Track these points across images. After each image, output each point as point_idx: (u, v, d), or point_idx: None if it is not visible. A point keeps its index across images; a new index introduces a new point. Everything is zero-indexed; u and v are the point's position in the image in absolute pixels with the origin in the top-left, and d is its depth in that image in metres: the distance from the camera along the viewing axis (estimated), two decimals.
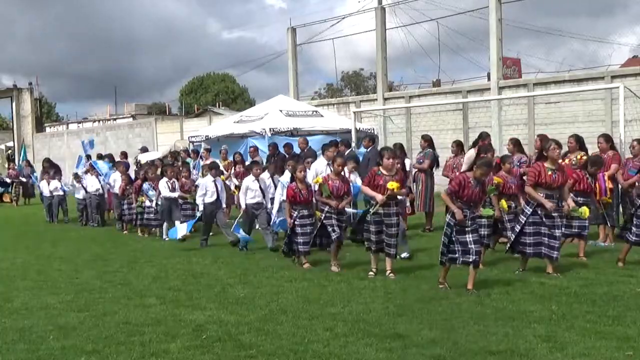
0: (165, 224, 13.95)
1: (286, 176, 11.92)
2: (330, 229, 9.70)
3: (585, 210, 9.29)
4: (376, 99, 25.37)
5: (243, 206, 11.88)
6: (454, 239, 8.02)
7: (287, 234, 10.14)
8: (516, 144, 12.29)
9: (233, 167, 15.60)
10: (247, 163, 15.45)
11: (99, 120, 59.45)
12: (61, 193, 18.58)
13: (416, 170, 13.86)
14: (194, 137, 20.22)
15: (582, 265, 9.38)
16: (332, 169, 10.27)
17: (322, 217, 9.76)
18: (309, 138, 16.25)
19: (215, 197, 12.54)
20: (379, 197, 8.81)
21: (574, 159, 11.28)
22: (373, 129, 19.73)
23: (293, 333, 6.44)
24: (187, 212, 14.06)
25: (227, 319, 7.06)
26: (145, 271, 10.24)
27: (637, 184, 10.61)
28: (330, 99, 33.54)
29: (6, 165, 30.74)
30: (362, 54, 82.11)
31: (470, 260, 7.95)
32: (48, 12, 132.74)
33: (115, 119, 56.56)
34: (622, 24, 72.64)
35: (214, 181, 12.65)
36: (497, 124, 20.98)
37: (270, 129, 17.52)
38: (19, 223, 18.97)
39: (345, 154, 14.38)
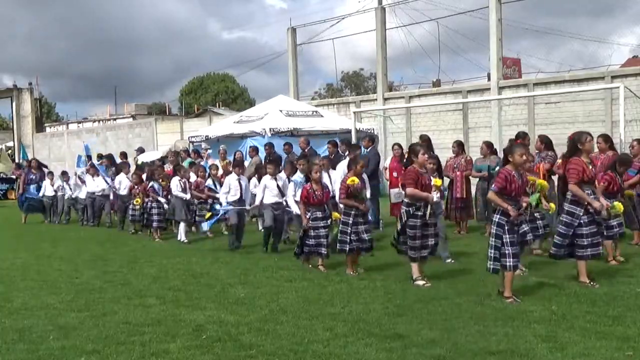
0: (181, 225, 13.61)
1: (282, 176, 11.98)
2: (364, 235, 9.35)
3: (619, 206, 8.79)
4: (376, 99, 25.39)
5: (257, 203, 11.83)
6: (505, 240, 7.43)
7: (300, 236, 9.90)
8: (544, 141, 12.20)
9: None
10: (246, 163, 15.49)
11: (99, 121, 59.46)
12: (52, 194, 18.62)
13: None
14: (194, 137, 20.24)
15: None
16: (353, 170, 9.73)
17: (351, 222, 9.30)
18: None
19: (238, 196, 12.13)
20: (432, 196, 8.36)
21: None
22: (373, 129, 19.76)
23: (293, 333, 6.44)
24: (203, 212, 13.84)
25: (227, 319, 7.06)
26: (145, 271, 10.24)
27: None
28: (330, 99, 33.54)
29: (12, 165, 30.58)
30: (362, 54, 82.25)
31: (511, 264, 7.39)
32: (49, 12, 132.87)
33: (115, 119, 56.57)
34: (621, 24, 72.75)
35: (239, 179, 12.24)
36: (497, 124, 20.99)
37: (270, 129, 17.55)
38: (19, 223, 18.91)
39: (346, 153, 14.44)
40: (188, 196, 13.72)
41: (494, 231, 7.54)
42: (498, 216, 7.51)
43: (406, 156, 9.03)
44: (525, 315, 6.78)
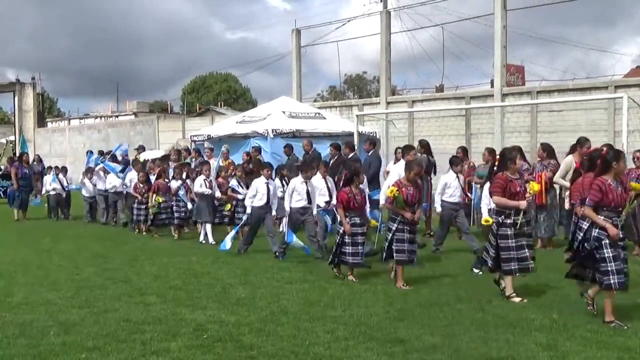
0: (208, 226, 13.15)
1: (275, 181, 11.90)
2: (407, 246, 8.76)
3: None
4: (379, 103, 25.35)
5: (288, 209, 11.16)
6: (606, 256, 6.78)
7: (336, 243, 9.28)
8: (547, 149, 12.28)
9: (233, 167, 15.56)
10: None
11: (100, 117, 59.48)
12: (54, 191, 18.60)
13: None
14: (196, 136, 20.23)
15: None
16: (406, 175, 9.09)
17: (394, 229, 8.79)
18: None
19: (265, 200, 11.47)
20: (523, 203, 7.79)
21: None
22: (375, 133, 19.76)
23: (294, 335, 6.45)
24: (224, 213, 13.65)
25: (228, 319, 7.06)
26: (145, 269, 10.24)
27: None
28: (333, 102, 33.52)
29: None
30: (366, 57, 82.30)
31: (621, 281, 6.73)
32: (53, 9, 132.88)
33: (117, 116, 56.58)
34: (623, 34, 72.86)
35: (267, 183, 11.57)
36: (500, 131, 20.96)
37: (272, 130, 17.54)
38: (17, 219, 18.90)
39: (349, 156, 14.45)
40: (218, 194, 13.33)
41: (592, 246, 6.90)
42: (596, 230, 6.87)
43: (497, 162, 8.36)
44: (526, 323, 6.78)
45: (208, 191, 13.10)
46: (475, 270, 9.53)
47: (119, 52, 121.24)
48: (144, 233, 14.72)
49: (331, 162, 14.52)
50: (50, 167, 19.98)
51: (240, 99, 69.56)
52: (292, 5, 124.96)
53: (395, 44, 26.80)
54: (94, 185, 17.22)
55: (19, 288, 8.85)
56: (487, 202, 9.25)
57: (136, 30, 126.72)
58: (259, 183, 11.59)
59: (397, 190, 8.68)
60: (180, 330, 6.65)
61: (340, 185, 10.30)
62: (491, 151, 12.65)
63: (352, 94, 56.03)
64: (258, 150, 16.54)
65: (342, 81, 49.07)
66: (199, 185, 13.16)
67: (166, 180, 14.57)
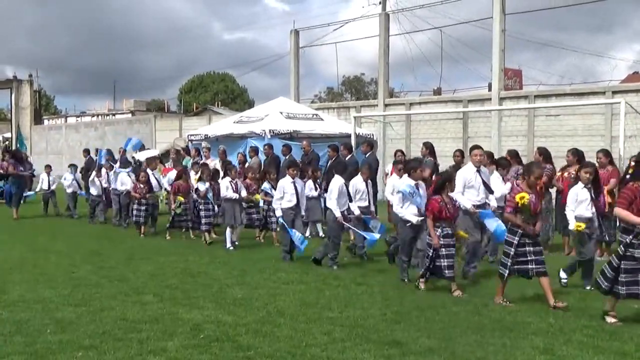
0: (228, 230, 12.45)
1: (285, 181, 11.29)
2: (534, 258, 7.73)
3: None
4: (376, 105, 25.41)
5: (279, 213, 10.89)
6: (623, 266, 6.81)
7: (429, 256, 8.50)
8: (543, 153, 12.10)
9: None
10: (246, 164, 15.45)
11: (97, 115, 59.43)
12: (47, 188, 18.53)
13: None
14: (193, 135, 20.21)
15: (579, 278, 9.38)
16: (526, 180, 7.93)
17: (516, 243, 7.72)
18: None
19: (294, 201, 10.89)
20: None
21: (573, 172, 11.32)
22: (372, 135, 19.76)
23: (291, 336, 6.44)
24: (253, 216, 13.27)
25: (225, 319, 7.06)
26: (142, 268, 10.22)
27: None
28: (330, 103, 33.57)
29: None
30: (364, 59, 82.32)
31: None
32: (52, 6, 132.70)
33: (114, 115, 56.52)
34: (619, 40, 73.11)
35: (294, 182, 11.02)
36: (497, 134, 21.02)
37: (270, 131, 17.52)
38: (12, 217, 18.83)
39: (347, 158, 14.45)
40: (244, 193, 12.68)
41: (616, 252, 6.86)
42: (629, 238, 6.82)
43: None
44: (522, 327, 6.79)
45: (235, 195, 12.43)
46: (564, 278, 8.89)
47: (117, 51, 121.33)
48: (142, 235, 14.22)
49: (329, 163, 14.55)
50: (48, 166, 19.85)
51: (237, 99, 69.57)
52: (290, 7, 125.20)
53: (393, 47, 26.84)
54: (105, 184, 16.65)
55: (15, 286, 8.82)
56: (572, 208, 8.63)
57: (135, 28, 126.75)
58: (285, 183, 11.00)
59: (526, 198, 7.61)
60: (176, 330, 6.64)
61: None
62: (490, 155, 12.64)
63: (350, 96, 56.07)
64: (255, 150, 16.52)
65: (339, 83, 49.02)
66: (225, 188, 12.49)
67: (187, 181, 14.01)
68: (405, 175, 9.49)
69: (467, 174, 9.68)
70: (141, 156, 20.06)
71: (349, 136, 17.71)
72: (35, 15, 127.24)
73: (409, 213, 9.03)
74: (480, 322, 7.03)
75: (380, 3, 27.44)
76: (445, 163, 14.69)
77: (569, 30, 71.47)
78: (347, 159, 14.19)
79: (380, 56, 25.73)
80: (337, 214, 10.19)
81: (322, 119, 19.69)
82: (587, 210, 8.69)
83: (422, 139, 18.88)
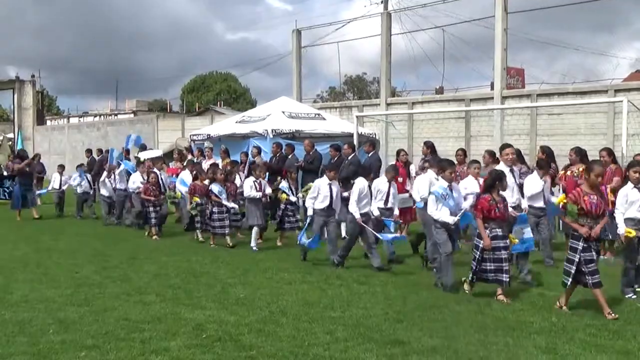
0: (254, 230, 12.21)
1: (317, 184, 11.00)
2: (588, 268, 7.26)
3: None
4: (379, 104, 25.37)
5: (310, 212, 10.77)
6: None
7: (476, 258, 8.15)
8: (546, 152, 11.95)
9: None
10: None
11: (99, 115, 59.49)
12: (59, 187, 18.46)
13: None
14: (195, 135, 20.21)
15: None
16: (586, 180, 7.55)
17: (580, 249, 7.30)
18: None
19: (327, 203, 10.66)
20: None
21: (576, 171, 11.32)
22: (375, 134, 19.75)
23: (293, 336, 6.45)
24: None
25: (227, 319, 7.06)
26: (145, 268, 10.23)
27: None
28: (333, 103, 33.54)
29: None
30: (366, 58, 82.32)
31: None
32: (55, 6, 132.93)
33: (116, 115, 56.57)
34: (622, 39, 72.96)
35: (330, 184, 10.71)
36: (500, 133, 20.97)
37: (272, 130, 17.52)
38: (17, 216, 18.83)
39: (350, 157, 14.44)
40: (268, 190, 12.49)
41: None
42: None
43: None
44: (525, 326, 6.79)
45: (258, 194, 12.18)
46: (630, 295, 8.22)
47: (120, 51, 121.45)
48: (155, 237, 13.79)
49: (330, 163, 14.54)
50: (61, 165, 19.81)
51: (239, 98, 69.56)
52: (293, 6, 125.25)
53: (396, 46, 26.86)
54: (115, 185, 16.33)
55: (18, 285, 8.85)
56: (622, 211, 8.24)
57: (137, 28, 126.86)
58: (322, 184, 10.78)
59: (571, 200, 7.31)
60: (179, 330, 6.65)
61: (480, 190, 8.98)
62: (492, 153, 12.64)
63: (352, 95, 56.03)
64: (258, 150, 16.53)
65: (342, 82, 49.09)
66: (249, 187, 12.22)
67: (205, 182, 13.59)
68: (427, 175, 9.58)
69: None
70: (144, 156, 20.04)
71: (351, 135, 17.70)
72: (38, 16, 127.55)
73: (445, 214, 8.66)
74: (483, 321, 7.03)
75: (382, 2, 27.41)
76: None
77: (571, 29, 71.38)
78: (349, 158, 14.19)
79: (383, 55, 25.70)
80: (357, 215, 10.03)
81: (324, 119, 19.68)
82: (638, 211, 8.20)
83: (424, 138, 18.88)
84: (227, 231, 12.55)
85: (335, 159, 14.35)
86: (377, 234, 10.12)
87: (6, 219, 17.62)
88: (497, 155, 12.73)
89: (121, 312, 7.37)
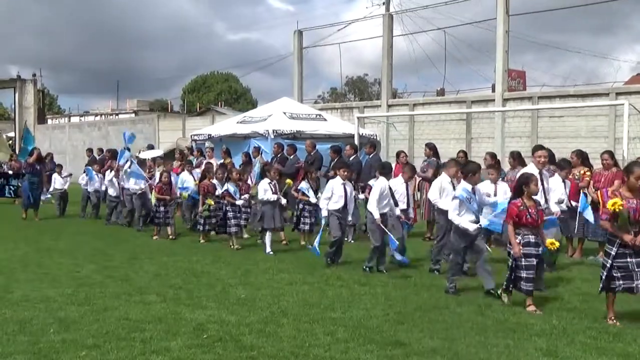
0: (268, 235, 11.71)
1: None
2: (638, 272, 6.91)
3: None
4: (380, 106, 25.41)
5: (324, 212, 10.49)
6: None
7: (510, 266, 7.76)
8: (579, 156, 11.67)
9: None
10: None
11: (100, 115, 59.49)
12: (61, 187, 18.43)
13: (420, 178, 13.81)
14: (196, 135, 20.23)
15: (583, 280, 9.39)
16: (625, 185, 7.15)
17: (613, 254, 6.98)
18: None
19: (342, 203, 10.41)
20: None
21: (577, 174, 11.32)
22: (376, 135, 19.77)
23: (294, 336, 6.45)
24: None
25: (228, 319, 7.06)
26: (145, 268, 10.23)
27: None
28: (334, 104, 33.58)
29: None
30: (367, 59, 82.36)
31: None
32: (57, 6, 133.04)
33: (117, 114, 56.58)
34: (623, 42, 73.06)
35: (344, 184, 10.50)
36: (500, 135, 21.01)
37: (273, 131, 17.54)
38: (19, 215, 18.83)
39: (351, 158, 14.45)
40: (283, 201, 12.12)
41: None
42: None
43: None
44: (526, 328, 6.79)
45: (274, 197, 11.79)
46: None
47: (121, 50, 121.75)
48: (172, 237, 13.56)
49: (331, 165, 14.54)
50: (59, 165, 19.77)
51: (240, 99, 69.62)
52: (294, 7, 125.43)
53: (397, 47, 26.89)
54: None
55: (18, 285, 8.85)
56: None
57: (138, 28, 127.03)
58: (336, 184, 10.51)
59: (619, 204, 6.80)
60: (180, 330, 6.65)
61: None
62: (493, 155, 12.66)
63: (353, 96, 56.06)
64: (258, 150, 16.54)
65: (343, 83, 49.12)
66: (264, 190, 11.80)
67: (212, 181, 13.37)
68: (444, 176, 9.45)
69: None
70: (146, 155, 20.04)
71: (352, 136, 17.73)
72: (39, 15, 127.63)
73: (466, 221, 8.35)
74: (483, 323, 7.03)
75: (383, 4, 27.49)
76: None
77: (572, 32, 71.53)
78: (351, 159, 14.20)
79: (384, 57, 25.74)
80: (376, 215, 9.72)
81: (325, 120, 19.70)
82: None
83: (425, 139, 18.88)
84: (238, 230, 12.44)
85: (335, 161, 14.34)
86: (392, 238, 9.60)
87: (7, 219, 17.62)
88: (499, 157, 12.79)
89: (122, 312, 7.37)
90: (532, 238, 7.60)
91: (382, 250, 9.93)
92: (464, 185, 8.54)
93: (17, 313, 7.30)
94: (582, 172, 11.36)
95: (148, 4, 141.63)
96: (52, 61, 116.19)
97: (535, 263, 7.56)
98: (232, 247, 12.14)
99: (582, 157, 11.59)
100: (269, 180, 11.91)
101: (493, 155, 12.70)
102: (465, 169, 8.85)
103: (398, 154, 14.50)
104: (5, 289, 8.58)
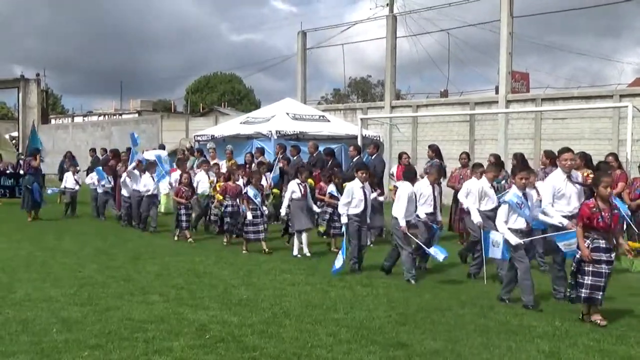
0: (297, 236, 11.55)
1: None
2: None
3: None
4: (383, 107, 25.40)
5: (345, 219, 10.06)
6: None
7: (573, 271, 7.30)
8: (550, 156, 11.50)
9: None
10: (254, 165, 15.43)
11: (104, 115, 59.57)
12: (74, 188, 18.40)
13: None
14: (200, 135, 20.23)
15: None
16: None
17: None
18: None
19: (362, 207, 10.02)
20: None
21: (580, 176, 11.28)
22: (379, 136, 19.76)
23: (296, 337, 6.45)
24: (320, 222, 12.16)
25: (230, 320, 7.06)
26: (148, 268, 10.24)
27: None
28: (337, 105, 33.60)
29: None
30: (370, 61, 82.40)
31: None
32: (62, 7, 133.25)
33: (120, 115, 56.64)
34: (627, 44, 72.96)
35: (362, 187, 10.10)
36: (504, 137, 20.99)
37: (276, 132, 17.54)
38: (22, 215, 18.84)
39: (355, 159, 14.42)
40: (314, 208, 11.94)
41: None
42: None
43: None
44: (528, 330, 6.78)
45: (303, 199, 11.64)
46: None
47: (124, 51, 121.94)
48: (190, 240, 13.27)
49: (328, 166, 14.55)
50: (73, 165, 19.71)
51: (244, 99, 69.62)
52: (298, 8, 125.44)
53: (400, 49, 26.88)
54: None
55: (21, 284, 8.86)
56: None
57: (142, 29, 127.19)
58: (355, 187, 10.08)
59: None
60: (182, 330, 6.65)
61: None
62: (497, 157, 12.63)
63: (357, 98, 56.04)
64: (261, 151, 16.55)
65: (346, 84, 49.05)
66: (292, 191, 11.65)
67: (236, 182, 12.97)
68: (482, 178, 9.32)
69: (556, 181, 8.38)
70: (149, 155, 20.02)
71: (355, 138, 17.72)
72: (43, 16, 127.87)
73: (510, 233, 7.84)
74: (486, 324, 7.02)
75: (387, 5, 27.45)
76: (451, 165, 14.69)
77: (576, 34, 71.43)
78: (354, 160, 14.18)
79: (387, 58, 25.74)
80: (402, 223, 9.32)
81: (328, 121, 19.69)
82: None
83: (428, 141, 18.89)
84: (261, 236, 11.92)
85: (330, 162, 14.34)
86: (425, 248, 9.44)
87: (10, 219, 17.63)
88: (502, 158, 12.76)
89: (124, 312, 7.37)
90: (602, 243, 7.07)
91: (419, 253, 9.69)
92: (514, 191, 8.05)
93: (19, 313, 7.31)
94: (585, 174, 11.33)
95: (152, 4, 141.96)
96: (55, 61, 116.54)
97: (604, 270, 7.03)
98: (242, 251, 11.90)
99: (586, 159, 11.57)
100: (299, 181, 11.69)
101: (497, 157, 12.68)
102: (514, 171, 8.50)
103: (400, 155, 14.48)
104: (8, 288, 8.59)
